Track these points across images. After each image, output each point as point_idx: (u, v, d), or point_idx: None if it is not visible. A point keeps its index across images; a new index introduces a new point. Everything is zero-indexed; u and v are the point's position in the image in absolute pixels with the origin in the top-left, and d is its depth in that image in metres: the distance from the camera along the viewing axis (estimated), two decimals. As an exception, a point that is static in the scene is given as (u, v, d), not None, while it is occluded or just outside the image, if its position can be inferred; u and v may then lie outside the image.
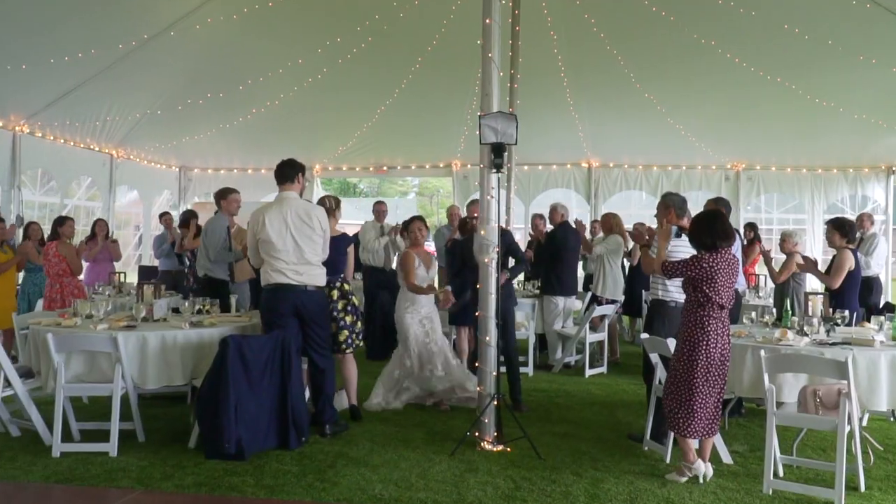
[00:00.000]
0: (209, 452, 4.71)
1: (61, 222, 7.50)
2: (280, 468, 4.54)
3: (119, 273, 8.62)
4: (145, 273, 11.16)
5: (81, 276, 7.88)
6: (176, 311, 5.60)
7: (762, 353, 4.17)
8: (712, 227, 4.37)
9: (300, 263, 5.23)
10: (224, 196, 7.04)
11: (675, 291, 5.14)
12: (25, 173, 10.72)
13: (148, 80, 10.45)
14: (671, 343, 4.63)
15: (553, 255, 7.80)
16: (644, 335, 5.07)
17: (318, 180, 14.65)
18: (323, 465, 4.61)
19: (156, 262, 10.43)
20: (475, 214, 8.13)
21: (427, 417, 5.89)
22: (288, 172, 5.45)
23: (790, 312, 5.35)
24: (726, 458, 4.76)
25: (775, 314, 5.67)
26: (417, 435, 5.34)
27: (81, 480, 4.33)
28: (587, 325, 7.65)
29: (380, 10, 9.61)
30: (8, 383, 4.84)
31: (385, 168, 14.24)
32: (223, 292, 6.37)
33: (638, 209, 14.21)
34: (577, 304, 8.33)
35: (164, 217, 9.79)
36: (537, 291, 8.26)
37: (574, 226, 8.01)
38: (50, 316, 5.72)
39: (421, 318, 6.31)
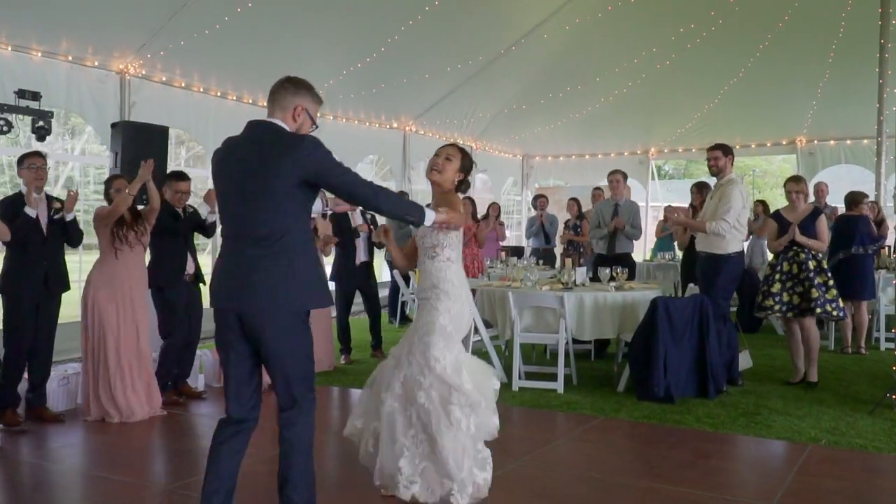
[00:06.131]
0: (641, 394, 5.56)
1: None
2: (709, 411, 5.22)
3: (504, 250, 9.98)
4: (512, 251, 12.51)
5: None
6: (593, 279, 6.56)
7: None
8: None
9: None
10: None
11: None
12: (413, 167, 12.72)
13: (510, 80, 11.78)
14: None
15: None
16: None
17: (653, 163, 15.12)
18: (748, 412, 5.20)
19: (520, 243, 11.74)
20: None
21: (835, 384, 6.14)
22: None
23: None
24: None
25: None
26: (827, 396, 5.68)
27: (548, 407, 5.42)
28: None
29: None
30: (476, 331, 6.14)
31: (722, 148, 14.23)
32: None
33: None
34: None
35: (539, 200, 10.99)
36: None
37: None
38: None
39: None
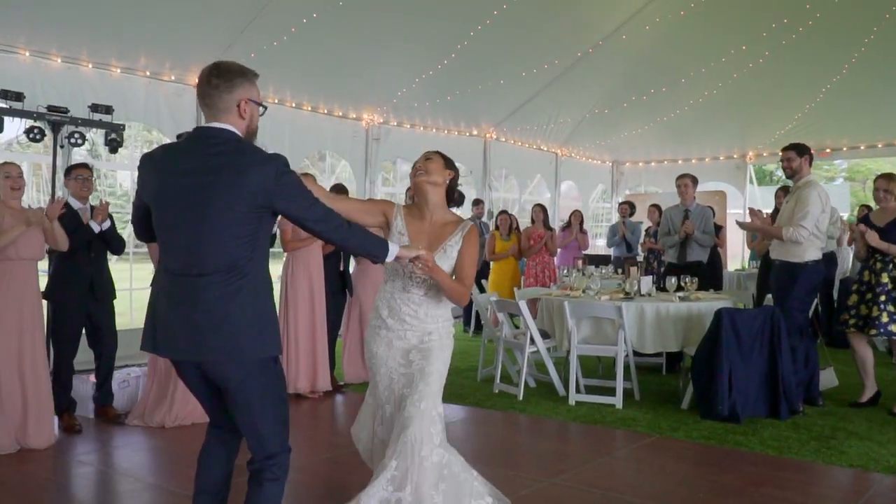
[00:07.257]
0: (704, 412, 5.19)
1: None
2: (777, 433, 4.80)
3: (581, 258, 9.67)
4: (592, 260, 12.18)
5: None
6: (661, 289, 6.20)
7: None
8: None
9: None
10: None
11: None
12: (493, 174, 12.58)
13: (592, 83, 11.45)
14: None
15: None
16: None
17: (751, 167, 14.33)
18: (822, 435, 4.75)
19: (608, 251, 11.38)
20: None
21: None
22: None
23: None
24: None
25: None
26: (919, 420, 5.12)
27: (602, 423, 5.14)
28: None
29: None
30: (532, 342, 5.92)
31: (828, 150, 13.34)
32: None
33: None
34: None
35: (622, 207, 10.63)
36: None
37: None
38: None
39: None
